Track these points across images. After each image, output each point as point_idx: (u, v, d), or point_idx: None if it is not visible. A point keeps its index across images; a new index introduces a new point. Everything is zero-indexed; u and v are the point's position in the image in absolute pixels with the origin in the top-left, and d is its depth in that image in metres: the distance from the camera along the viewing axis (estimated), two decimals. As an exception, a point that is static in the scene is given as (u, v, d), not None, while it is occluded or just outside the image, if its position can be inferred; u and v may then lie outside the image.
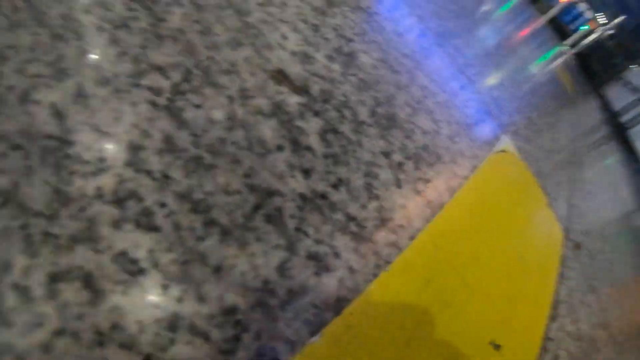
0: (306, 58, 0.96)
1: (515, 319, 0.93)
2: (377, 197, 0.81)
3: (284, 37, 0.96)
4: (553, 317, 1.08)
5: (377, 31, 1.32)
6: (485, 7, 3.43)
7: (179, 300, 0.53)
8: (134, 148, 0.62)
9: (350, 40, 1.16)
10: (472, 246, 0.94)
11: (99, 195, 0.56)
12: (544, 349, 0.97)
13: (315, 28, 1.08)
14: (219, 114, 0.72)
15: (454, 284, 0.84)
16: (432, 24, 1.82)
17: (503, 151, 1.38)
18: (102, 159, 0.59)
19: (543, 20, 7.66)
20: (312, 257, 0.65)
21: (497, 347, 0.85)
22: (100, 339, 0.47)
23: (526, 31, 4.78)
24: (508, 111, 1.71)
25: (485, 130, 1.37)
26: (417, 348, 0.70)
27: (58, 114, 0.60)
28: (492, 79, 1.87)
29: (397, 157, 0.93)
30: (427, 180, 0.95)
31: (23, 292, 0.46)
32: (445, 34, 1.84)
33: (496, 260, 0.99)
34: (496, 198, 1.16)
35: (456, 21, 2.15)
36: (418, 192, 0.90)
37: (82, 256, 0.50)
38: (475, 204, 1.06)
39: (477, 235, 0.99)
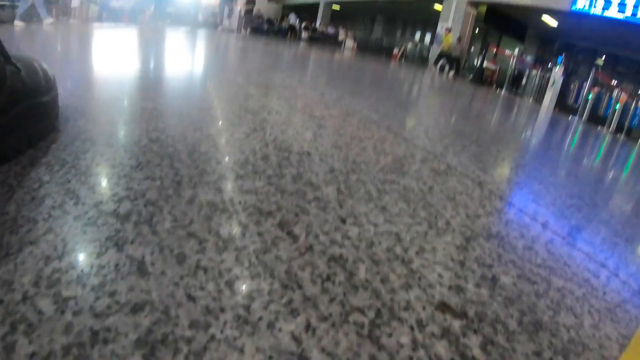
0: (460, 289, 1.26)
1: None
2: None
3: (440, 276, 1.30)
4: None
5: (509, 251, 1.58)
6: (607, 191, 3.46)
7: None
8: (353, 366, 0.92)
9: (489, 266, 1.44)
10: None
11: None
12: None
13: (461, 263, 1.41)
14: (404, 339, 1.02)
15: None
16: (556, 225, 2.00)
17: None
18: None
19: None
20: None
21: None
22: None
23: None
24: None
25: (630, 310, 1.38)
26: None
27: (296, 340, 0.95)
28: (630, 258, 1.86)
29: (547, 354, 1.06)
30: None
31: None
32: (572, 231, 1.99)
33: None
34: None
35: (579, 213, 2.29)
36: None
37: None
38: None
39: None
